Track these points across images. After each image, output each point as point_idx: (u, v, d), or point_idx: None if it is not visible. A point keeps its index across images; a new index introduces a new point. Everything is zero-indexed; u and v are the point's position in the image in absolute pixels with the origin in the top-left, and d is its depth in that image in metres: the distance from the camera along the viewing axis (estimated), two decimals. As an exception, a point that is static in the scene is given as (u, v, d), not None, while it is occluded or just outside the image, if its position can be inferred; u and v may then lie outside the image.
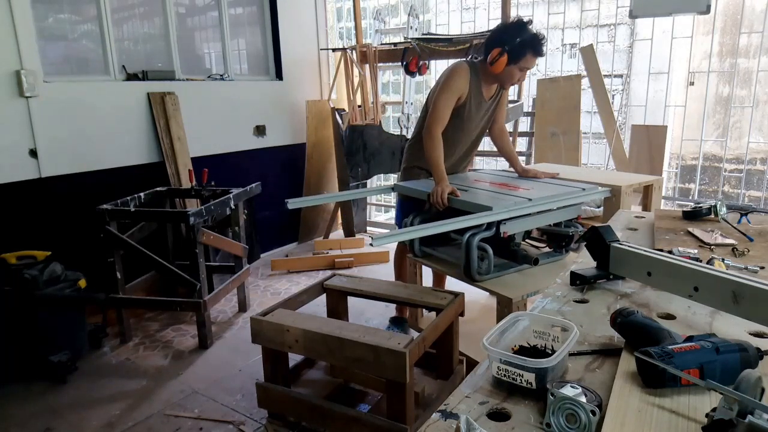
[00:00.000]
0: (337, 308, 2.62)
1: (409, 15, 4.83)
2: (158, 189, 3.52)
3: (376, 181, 5.56)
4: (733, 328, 1.05)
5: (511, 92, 4.35)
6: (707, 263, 1.23)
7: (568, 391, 0.78)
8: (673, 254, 1.29)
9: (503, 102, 2.92)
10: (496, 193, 2.42)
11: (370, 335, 1.97)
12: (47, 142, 3.23)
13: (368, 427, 2.00)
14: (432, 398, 2.26)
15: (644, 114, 4.31)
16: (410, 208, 2.73)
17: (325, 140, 4.99)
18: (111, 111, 3.54)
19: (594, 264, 1.36)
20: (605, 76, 4.19)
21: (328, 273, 2.72)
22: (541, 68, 4.93)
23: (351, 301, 2.68)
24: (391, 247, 4.43)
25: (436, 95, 2.64)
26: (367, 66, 4.70)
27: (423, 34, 4.73)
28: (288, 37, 4.80)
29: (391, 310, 3.57)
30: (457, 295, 2.31)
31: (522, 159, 4.74)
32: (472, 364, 2.41)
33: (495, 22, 4.38)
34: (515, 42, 2.50)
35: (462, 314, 2.35)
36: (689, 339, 0.89)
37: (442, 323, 2.16)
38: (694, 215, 1.81)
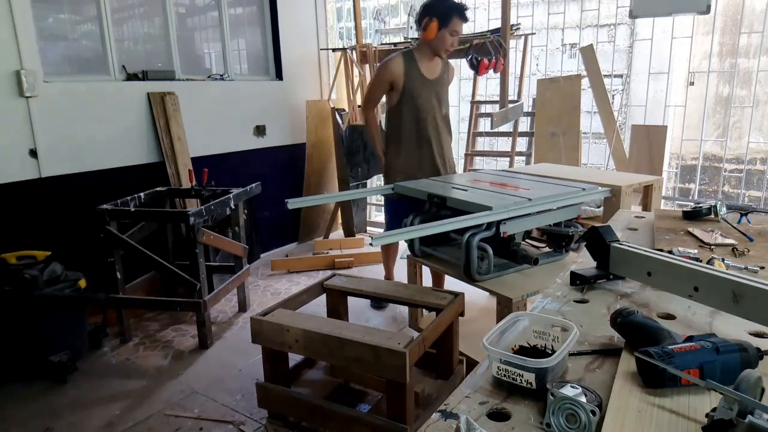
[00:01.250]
0: (337, 308, 2.62)
1: (409, 15, 4.84)
2: (158, 189, 3.52)
3: (376, 181, 5.55)
4: (733, 328, 1.05)
5: (511, 92, 4.36)
6: (707, 263, 1.23)
7: (568, 391, 0.78)
8: (673, 254, 1.29)
9: (449, 79, 3.24)
10: (496, 193, 2.42)
11: (370, 335, 1.97)
12: (47, 142, 3.23)
13: (368, 427, 2.00)
14: (432, 398, 2.26)
15: (644, 114, 4.31)
16: (395, 209, 3.03)
17: (325, 140, 4.99)
18: (111, 111, 3.54)
19: (594, 264, 1.36)
20: (605, 76, 4.19)
21: (328, 273, 2.72)
22: (541, 68, 4.93)
23: (351, 301, 2.68)
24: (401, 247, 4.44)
25: (370, 83, 3.16)
26: (367, 66, 4.70)
27: (423, 34, 4.73)
28: (288, 37, 4.80)
29: (392, 309, 3.57)
30: (457, 295, 2.31)
31: (522, 159, 4.75)
32: (472, 364, 2.41)
33: (495, 22, 4.39)
34: (443, 7, 2.86)
35: (462, 314, 2.35)
36: (689, 339, 0.89)
37: (442, 323, 2.16)
38: (694, 215, 1.81)
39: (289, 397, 2.22)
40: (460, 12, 2.88)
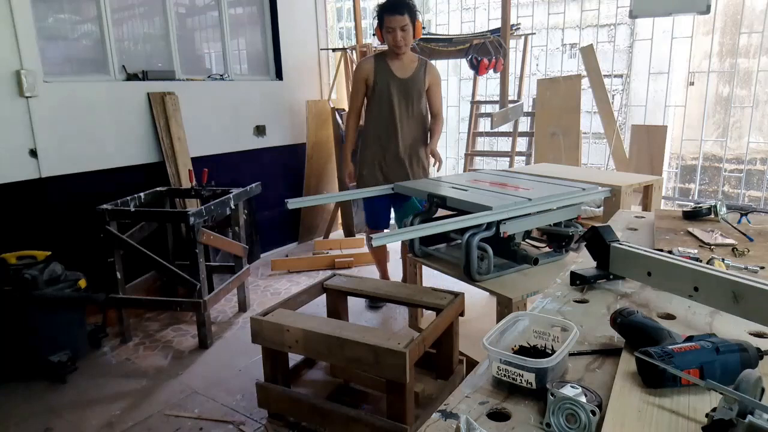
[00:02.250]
0: (337, 308, 2.62)
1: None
2: (158, 189, 3.52)
3: (376, 181, 5.55)
4: (733, 328, 1.05)
5: (511, 92, 4.36)
6: (707, 263, 1.23)
7: (568, 391, 0.78)
8: (673, 254, 1.29)
9: (432, 84, 3.30)
10: (496, 193, 2.42)
11: (370, 335, 1.97)
12: (47, 142, 3.23)
13: (368, 427, 2.00)
14: (432, 398, 2.26)
15: (644, 114, 4.31)
16: (372, 203, 3.26)
17: (325, 140, 4.99)
18: (111, 111, 3.54)
19: (594, 264, 1.36)
20: (605, 76, 4.19)
21: (328, 273, 2.72)
22: (541, 68, 4.93)
23: (351, 301, 2.68)
24: (391, 247, 4.44)
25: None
26: (367, 66, 4.69)
27: (423, 34, 4.73)
28: (288, 37, 4.80)
29: (391, 309, 3.57)
30: (457, 295, 2.31)
31: (522, 159, 4.75)
32: (472, 364, 2.41)
33: (495, 23, 4.39)
34: (376, 12, 3.11)
35: (462, 314, 2.35)
36: (689, 339, 0.89)
37: (442, 323, 2.16)
38: (694, 215, 1.81)
39: (289, 397, 2.22)
40: (385, 8, 3.04)
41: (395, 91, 3.21)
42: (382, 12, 3.05)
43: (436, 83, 3.34)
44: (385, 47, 3.27)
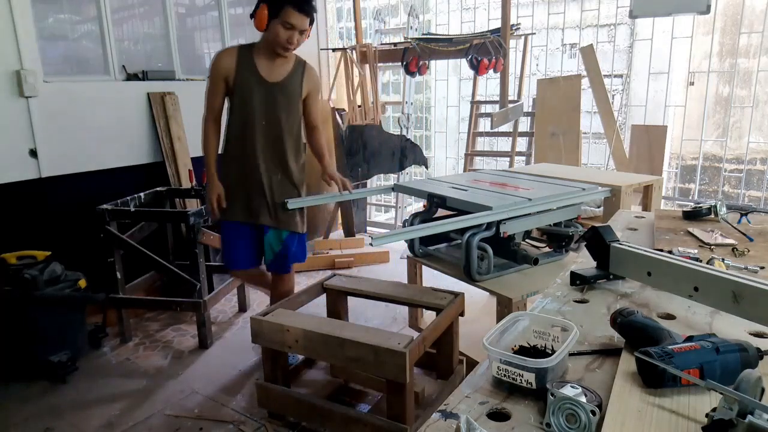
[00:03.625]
0: (337, 308, 2.62)
1: (409, 15, 4.84)
2: (158, 189, 3.52)
3: (376, 181, 5.56)
4: (733, 328, 1.05)
5: (511, 92, 4.36)
6: (707, 263, 1.23)
7: (568, 391, 0.78)
8: (673, 254, 1.29)
9: (311, 92, 2.59)
10: (496, 193, 2.42)
11: (370, 335, 1.97)
12: (47, 142, 3.23)
13: (368, 427, 2.00)
14: (432, 398, 2.26)
15: (644, 114, 4.31)
16: (230, 240, 2.62)
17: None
18: (111, 111, 3.54)
19: (594, 264, 1.36)
20: (605, 76, 4.19)
21: (328, 273, 2.72)
22: (541, 68, 4.93)
23: (351, 301, 2.68)
24: (391, 247, 4.44)
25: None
26: (367, 66, 4.70)
27: (423, 34, 4.74)
28: (288, 37, 4.80)
29: (391, 309, 3.57)
30: (457, 295, 2.31)
31: (522, 159, 4.75)
32: (472, 364, 2.41)
33: (495, 23, 4.39)
34: None
35: (462, 314, 2.35)
36: (689, 339, 0.89)
37: (442, 323, 2.16)
38: (694, 215, 1.81)
39: (289, 397, 2.22)
40: (295, 2, 2.29)
41: (258, 99, 2.45)
42: (287, 2, 2.31)
43: (316, 90, 2.63)
44: (255, 40, 2.53)
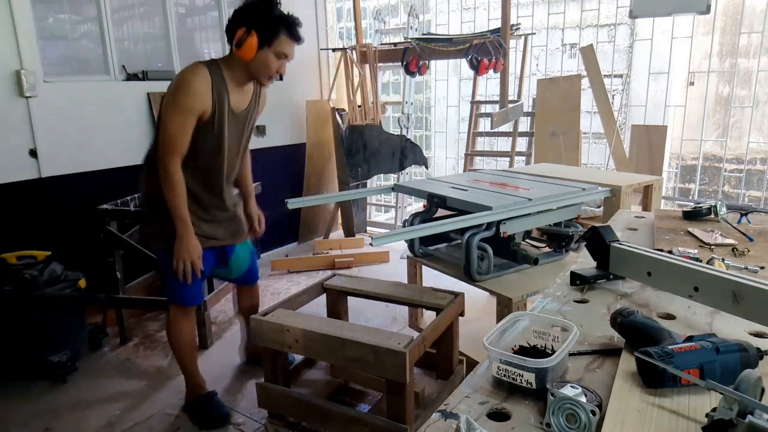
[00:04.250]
0: (337, 308, 2.62)
1: (409, 15, 4.84)
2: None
3: (376, 181, 5.56)
4: (733, 328, 1.05)
5: (511, 92, 4.35)
6: (707, 263, 1.23)
7: (568, 391, 0.78)
8: (673, 254, 1.29)
9: (259, 112, 2.35)
10: (496, 193, 2.42)
11: (370, 335, 1.97)
12: (47, 142, 3.23)
13: (368, 427, 2.00)
14: (432, 398, 2.26)
15: (644, 114, 4.31)
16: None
17: (325, 140, 4.99)
18: (111, 111, 3.54)
19: (594, 264, 1.36)
20: (605, 76, 4.19)
21: (329, 273, 2.72)
22: (541, 68, 4.93)
23: (351, 301, 2.68)
24: (391, 247, 4.44)
25: (165, 115, 2.02)
26: (367, 66, 4.70)
27: (423, 34, 4.74)
28: (288, 37, 4.79)
29: (391, 309, 3.57)
30: (457, 295, 2.31)
31: (522, 159, 4.75)
32: (472, 364, 2.41)
33: (495, 23, 4.39)
34: (265, 17, 2.00)
35: (462, 314, 2.35)
36: (689, 339, 0.89)
37: (442, 323, 2.16)
38: (694, 215, 1.81)
39: (289, 397, 2.22)
40: (289, 28, 2.04)
41: (239, 133, 2.24)
42: (282, 28, 2.03)
43: (260, 113, 2.39)
44: (219, 56, 2.18)
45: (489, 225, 2.21)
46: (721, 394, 0.70)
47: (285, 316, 2.17)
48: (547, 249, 2.62)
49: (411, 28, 4.80)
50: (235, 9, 2.06)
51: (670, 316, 1.13)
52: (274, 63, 2.06)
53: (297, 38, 2.08)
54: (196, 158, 2.12)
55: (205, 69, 2.03)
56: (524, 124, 4.81)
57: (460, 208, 2.31)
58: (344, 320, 2.62)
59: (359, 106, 4.78)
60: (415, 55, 4.31)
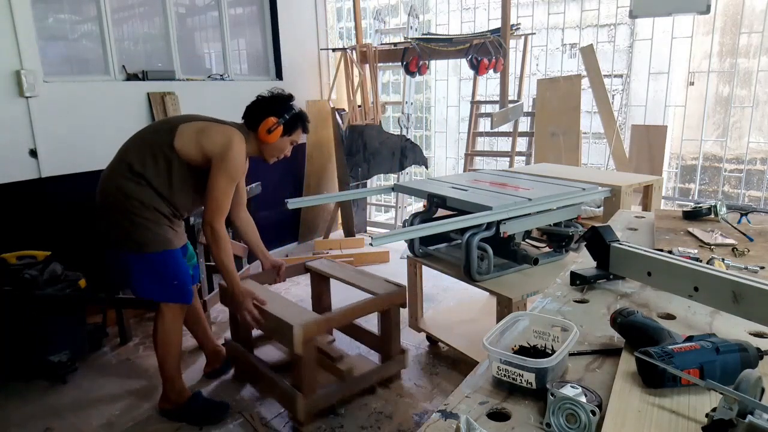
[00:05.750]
0: (320, 288, 2.90)
1: (409, 15, 4.84)
2: (158, 189, 3.52)
3: (376, 181, 5.56)
4: (733, 328, 1.05)
5: (511, 92, 4.36)
6: (707, 263, 1.23)
7: (568, 391, 0.78)
8: (673, 254, 1.29)
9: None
10: (496, 193, 2.42)
11: (288, 311, 2.22)
12: (47, 142, 3.23)
13: (278, 388, 2.33)
14: (357, 377, 2.43)
15: (644, 114, 4.31)
16: (183, 264, 2.40)
17: (325, 140, 4.99)
18: (111, 111, 3.53)
19: (594, 264, 1.36)
20: (605, 76, 4.19)
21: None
22: (541, 68, 4.93)
23: (346, 289, 2.69)
24: (391, 247, 4.44)
25: (219, 182, 2.24)
26: (367, 66, 4.70)
27: (423, 34, 4.74)
28: (288, 37, 4.80)
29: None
30: (399, 286, 2.50)
31: (522, 159, 4.76)
32: (471, 364, 2.41)
33: (495, 23, 4.39)
34: (291, 114, 2.42)
35: (403, 305, 2.52)
36: (689, 339, 0.89)
37: (357, 309, 2.37)
38: (694, 215, 1.81)
39: (245, 358, 2.59)
40: (305, 124, 2.50)
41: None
42: (300, 124, 2.47)
43: None
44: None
45: (489, 225, 2.21)
46: (721, 394, 0.70)
47: (249, 285, 2.41)
48: (547, 249, 2.62)
49: (411, 28, 4.80)
50: (264, 97, 2.50)
51: (670, 316, 1.13)
52: (288, 149, 2.51)
53: (307, 131, 2.56)
54: (173, 193, 2.33)
55: (243, 139, 2.37)
56: (524, 124, 4.81)
57: (460, 208, 2.31)
58: (326, 301, 2.91)
59: (359, 106, 4.78)
60: (415, 55, 4.31)
